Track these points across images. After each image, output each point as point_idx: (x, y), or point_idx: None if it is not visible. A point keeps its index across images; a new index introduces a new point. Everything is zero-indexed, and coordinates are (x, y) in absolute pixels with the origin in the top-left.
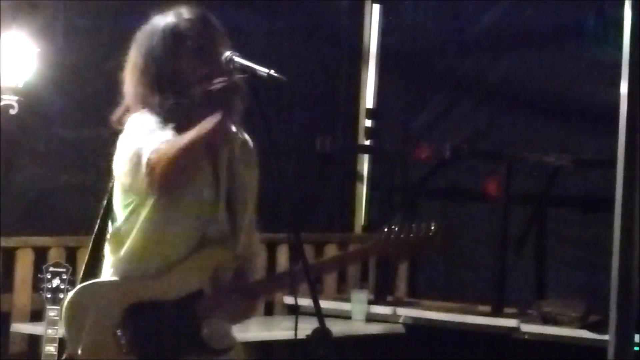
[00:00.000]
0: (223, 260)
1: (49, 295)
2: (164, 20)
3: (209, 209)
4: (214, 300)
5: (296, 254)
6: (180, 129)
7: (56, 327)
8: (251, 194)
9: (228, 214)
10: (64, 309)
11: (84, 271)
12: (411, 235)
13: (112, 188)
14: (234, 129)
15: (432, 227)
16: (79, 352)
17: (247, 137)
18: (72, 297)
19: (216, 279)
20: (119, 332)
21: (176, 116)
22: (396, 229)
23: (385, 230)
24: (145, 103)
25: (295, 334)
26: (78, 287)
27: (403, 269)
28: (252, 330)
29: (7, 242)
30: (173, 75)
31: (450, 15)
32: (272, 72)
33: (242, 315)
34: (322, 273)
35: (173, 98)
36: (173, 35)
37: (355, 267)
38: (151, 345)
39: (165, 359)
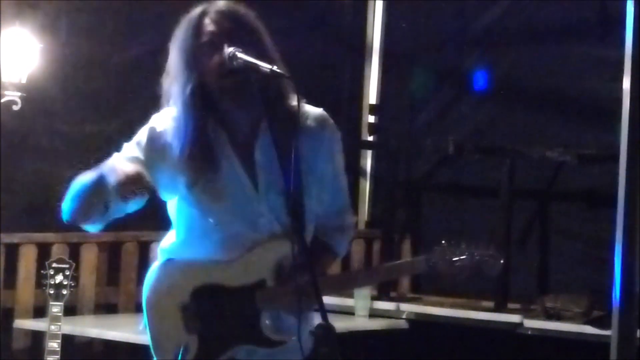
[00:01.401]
0: (286, 253)
1: (52, 291)
2: (194, 10)
3: (249, 204)
4: (275, 292)
5: (300, 253)
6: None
7: (59, 323)
8: (322, 176)
9: (290, 209)
10: (144, 285)
11: None
12: (466, 256)
13: None
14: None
15: (489, 253)
16: (149, 325)
17: (308, 121)
18: (151, 274)
19: (279, 271)
20: (182, 310)
21: (193, 108)
22: (452, 247)
23: (441, 246)
24: (167, 91)
25: (299, 330)
26: (157, 264)
27: None
28: None
29: (11, 238)
30: (190, 65)
31: (454, 10)
32: (274, 67)
33: (302, 307)
34: (373, 281)
35: (191, 87)
36: (192, 26)
37: (359, 263)
38: (211, 328)
39: (223, 343)
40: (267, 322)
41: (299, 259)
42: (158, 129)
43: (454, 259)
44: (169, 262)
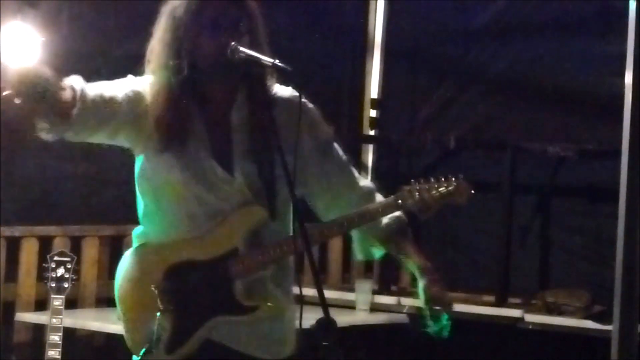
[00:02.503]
0: (259, 220)
1: (53, 285)
2: None
3: (213, 176)
4: (248, 259)
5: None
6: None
7: (60, 316)
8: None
9: (263, 176)
10: (117, 274)
11: None
12: (435, 189)
13: None
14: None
15: (454, 181)
16: (122, 313)
17: (282, 96)
18: (123, 261)
19: (253, 238)
20: (155, 289)
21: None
22: (418, 184)
23: (409, 185)
24: (161, 67)
25: (300, 324)
26: (131, 249)
27: None
28: None
29: (12, 231)
30: (185, 39)
31: (455, 5)
32: (276, 61)
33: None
34: (347, 229)
35: (181, 61)
36: (197, 1)
37: None
38: (186, 303)
39: (198, 318)
40: (240, 289)
41: (299, 234)
42: (140, 91)
43: (422, 195)
44: (139, 247)
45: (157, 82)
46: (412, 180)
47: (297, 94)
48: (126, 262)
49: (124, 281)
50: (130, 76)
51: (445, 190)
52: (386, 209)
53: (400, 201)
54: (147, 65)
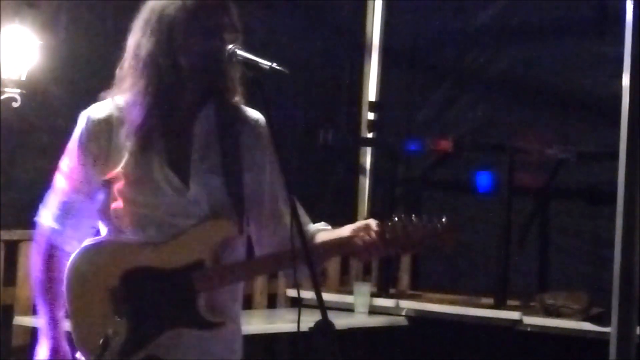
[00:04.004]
0: (227, 234)
1: None
2: None
3: (178, 186)
4: (213, 273)
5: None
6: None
7: None
8: (261, 184)
9: (231, 190)
10: (66, 270)
11: None
12: (420, 227)
13: None
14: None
15: (443, 221)
16: (71, 312)
17: (250, 116)
18: (75, 257)
19: (218, 252)
20: (110, 294)
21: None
22: (404, 220)
23: (394, 220)
24: (151, 64)
25: (298, 327)
26: (81, 246)
27: (406, 262)
28: (255, 323)
29: (10, 235)
30: (178, 39)
31: (453, 7)
32: (274, 64)
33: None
34: (326, 256)
35: (171, 62)
36: (193, 2)
37: (357, 261)
38: (143, 312)
39: (155, 327)
40: (203, 303)
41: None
42: (97, 117)
43: (408, 233)
44: (93, 244)
45: (146, 79)
46: (394, 216)
47: (262, 117)
48: (77, 259)
49: (75, 279)
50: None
51: (432, 230)
52: (368, 244)
53: (388, 235)
54: (130, 60)
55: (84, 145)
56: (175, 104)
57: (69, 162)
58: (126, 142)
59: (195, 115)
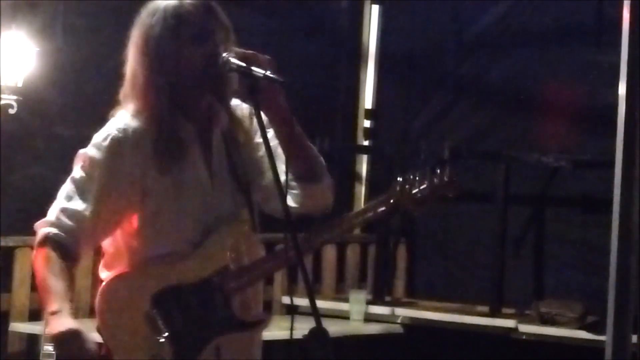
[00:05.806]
0: (240, 234)
1: None
2: (167, 1)
3: (207, 192)
4: (239, 274)
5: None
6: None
7: None
8: (258, 163)
9: (238, 190)
10: (97, 301)
11: None
12: (425, 183)
13: None
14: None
15: (443, 174)
16: (113, 340)
17: (241, 113)
18: (104, 288)
19: (239, 253)
20: (147, 318)
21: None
22: (410, 180)
23: (399, 182)
24: (139, 83)
25: (291, 334)
26: (109, 277)
27: (401, 269)
28: None
29: (6, 241)
30: (168, 56)
31: (449, 15)
32: (268, 72)
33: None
34: (343, 229)
35: (166, 79)
36: (174, 15)
37: (354, 268)
38: (182, 329)
39: (199, 340)
40: (237, 306)
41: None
42: (120, 135)
43: (414, 191)
44: (118, 277)
45: (147, 105)
46: (399, 178)
47: (247, 106)
48: (107, 291)
49: (108, 310)
50: (97, 142)
51: (437, 182)
52: (378, 208)
53: (392, 200)
54: (129, 90)
55: (110, 164)
56: (190, 115)
57: (89, 177)
58: (150, 160)
59: (212, 119)
